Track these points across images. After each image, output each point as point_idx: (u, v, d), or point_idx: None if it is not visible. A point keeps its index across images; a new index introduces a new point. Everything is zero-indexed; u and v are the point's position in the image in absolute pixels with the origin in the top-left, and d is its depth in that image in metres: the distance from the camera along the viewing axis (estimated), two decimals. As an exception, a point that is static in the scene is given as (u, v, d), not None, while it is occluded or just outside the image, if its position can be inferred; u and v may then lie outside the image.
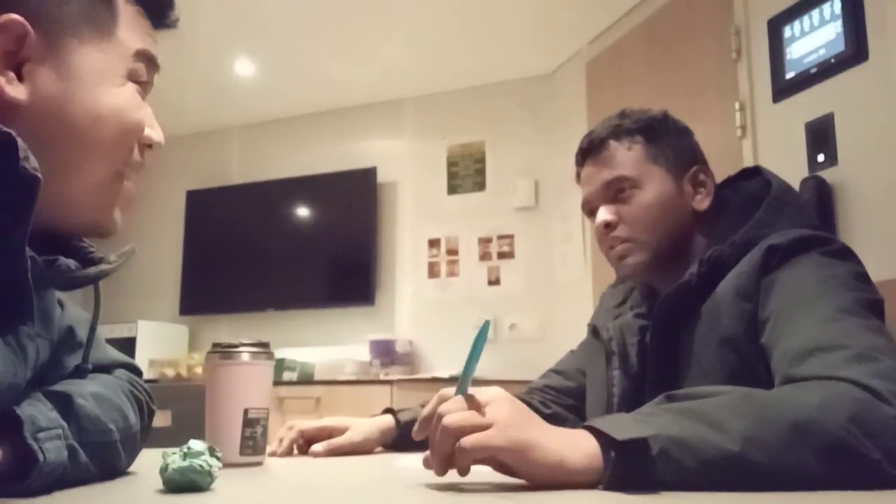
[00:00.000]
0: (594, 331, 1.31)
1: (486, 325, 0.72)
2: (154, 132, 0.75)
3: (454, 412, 0.68)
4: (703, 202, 1.17)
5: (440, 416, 0.68)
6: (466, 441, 0.65)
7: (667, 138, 1.19)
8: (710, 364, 1.01)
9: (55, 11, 0.65)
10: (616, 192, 1.16)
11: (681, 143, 1.20)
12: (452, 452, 0.67)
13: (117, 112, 0.68)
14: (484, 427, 0.66)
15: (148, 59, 0.73)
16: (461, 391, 0.70)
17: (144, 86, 0.73)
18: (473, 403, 0.69)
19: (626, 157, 1.17)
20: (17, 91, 0.62)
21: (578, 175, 1.24)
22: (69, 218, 0.67)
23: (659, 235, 1.14)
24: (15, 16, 0.61)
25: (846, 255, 1.00)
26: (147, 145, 0.75)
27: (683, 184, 1.17)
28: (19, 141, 0.56)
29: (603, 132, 1.20)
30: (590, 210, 1.22)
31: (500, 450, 0.65)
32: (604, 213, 1.17)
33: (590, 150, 1.21)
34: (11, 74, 0.62)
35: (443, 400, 0.72)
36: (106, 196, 0.70)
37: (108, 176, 0.70)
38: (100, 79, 0.67)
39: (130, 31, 0.71)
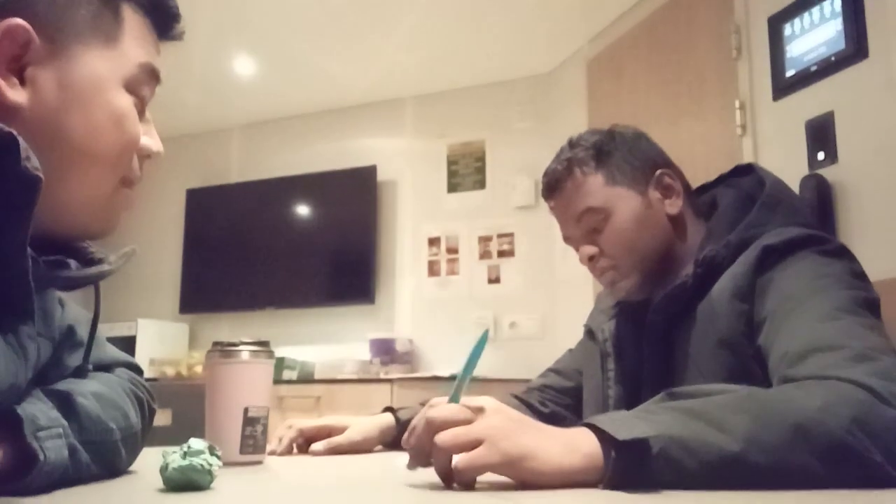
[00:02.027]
0: (590, 332, 1.31)
1: (486, 334, 0.71)
2: (153, 142, 0.74)
3: (443, 418, 0.68)
4: (674, 206, 1.17)
5: (429, 422, 0.68)
6: (460, 462, 0.65)
7: (618, 154, 1.17)
8: (706, 365, 1.01)
9: (61, 17, 0.65)
10: (589, 224, 1.16)
11: (634, 154, 1.18)
12: (450, 467, 0.67)
13: (115, 122, 0.68)
14: (475, 444, 0.65)
15: (150, 72, 0.72)
16: (454, 399, 0.70)
17: (145, 98, 0.73)
18: (464, 415, 0.68)
19: (585, 189, 1.16)
20: (18, 95, 0.62)
21: (551, 209, 1.24)
22: (64, 221, 0.67)
23: (641, 253, 1.15)
24: (20, 21, 0.61)
25: (842, 253, 0.99)
26: (146, 156, 0.74)
27: (650, 193, 1.17)
28: (21, 140, 0.56)
29: (558, 168, 1.19)
30: (573, 245, 1.22)
31: (494, 466, 0.65)
32: (584, 250, 1.18)
33: (551, 190, 1.21)
34: (14, 79, 0.62)
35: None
36: (104, 203, 0.70)
37: (109, 185, 0.70)
38: (100, 87, 0.67)
39: (135, 41, 0.71)
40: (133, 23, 0.71)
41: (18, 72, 0.63)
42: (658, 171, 1.17)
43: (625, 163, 1.17)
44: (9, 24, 0.61)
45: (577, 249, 1.20)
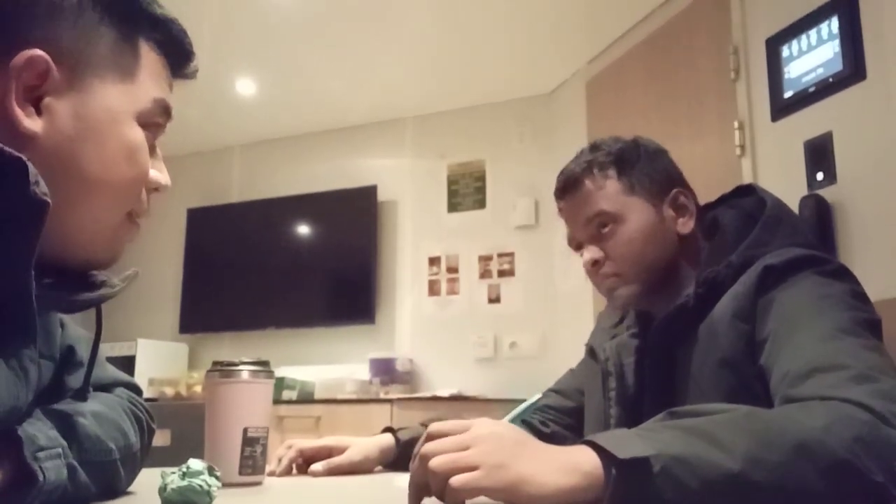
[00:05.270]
0: (591, 351, 1.31)
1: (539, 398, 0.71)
2: (161, 175, 0.76)
3: (439, 452, 0.66)
4: (686, 225, 1.17)
5: (423, 457, 0.67)
6: (456, 481, 0.63)
7: (640, 165, 1.18)
8: (708, 385, 1.01)
9: (81, 50, 0.66)
10: (598, 227, 1.16)
11: (655, 167, 1.19)
12: (441, 491, 0.65)
13: (127, 154, 0.69)
14: (471, 468, 0.64)
15: (163, 108, 0.74)
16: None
17: (156, 132, 0.74)
18: (459, 441, 0.67)
19: (602, 192, 1.16)
20: (34, 124, 0.63)
21: (560, 210, 1.24)
22: (70, 250, 0.68)
23: (645, 266, 1.14)
24: (39, 52, 0.62)
25: (843, 274, 0.99)
26: (154, 189, 0.76)
27: (664, 209, 1.17)
28: (30, 166, 0.57)
29: (577, 169, 1.19)
30: (576, 245, 1.22)
31: (489, 490, 0.64)
32: (589, 252, 1.17)
33: (566, 189, 1.21)
34: (31, 108, 0.63)
35: (431, 437, 0.70)
36: (111, 234, 0.71)
37: (117, 216, 0.71)
38: (114, 119, 0.68)
39: (150, 77, 0.72)
40: (149, 59, 0.72)
41: (35, 101, 0.64)
42: (675, 190, 1.18)
43: (644, 175, 1.17)
44: (30, 56, 0.62)
45: (579, 250, 1.20)
